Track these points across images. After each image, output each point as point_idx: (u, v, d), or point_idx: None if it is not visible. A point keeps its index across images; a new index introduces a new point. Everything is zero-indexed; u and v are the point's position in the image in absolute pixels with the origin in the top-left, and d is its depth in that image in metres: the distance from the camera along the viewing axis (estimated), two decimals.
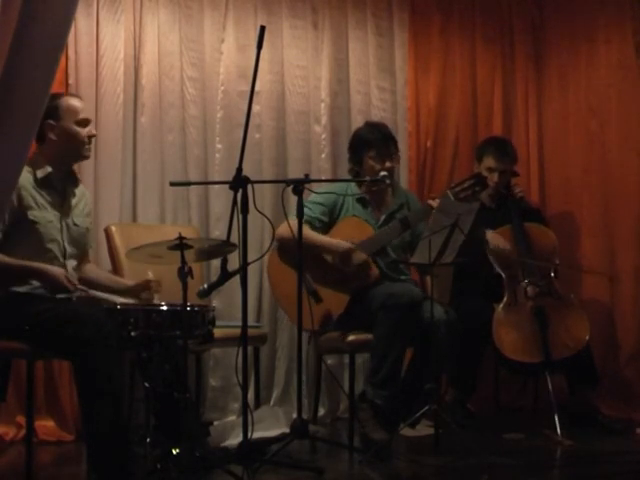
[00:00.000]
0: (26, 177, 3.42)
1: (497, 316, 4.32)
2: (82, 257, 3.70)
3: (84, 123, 3.58)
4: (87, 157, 3.69)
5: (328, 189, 4.30)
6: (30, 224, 3.43)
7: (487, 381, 4.85)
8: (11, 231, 3.39)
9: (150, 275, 3.62)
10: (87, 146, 3.61)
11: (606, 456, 3.86)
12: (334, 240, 4.17)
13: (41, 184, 3.49)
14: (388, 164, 4.26)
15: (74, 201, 3.64)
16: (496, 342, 4.27)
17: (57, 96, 3.60)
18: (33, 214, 3.43)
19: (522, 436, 4.24)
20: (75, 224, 3.62)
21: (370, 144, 4.27)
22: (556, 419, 4.06)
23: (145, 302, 3.53)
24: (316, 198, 4.17)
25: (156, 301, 3.53)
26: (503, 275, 4.43)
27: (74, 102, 3.60)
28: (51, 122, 3.51)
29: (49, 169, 3.51)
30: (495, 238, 4.45)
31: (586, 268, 4.92)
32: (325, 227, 4.26)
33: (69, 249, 3.57)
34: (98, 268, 3.97)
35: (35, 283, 3.43)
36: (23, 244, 3.41)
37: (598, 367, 4.47)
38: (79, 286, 3.44)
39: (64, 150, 3.56)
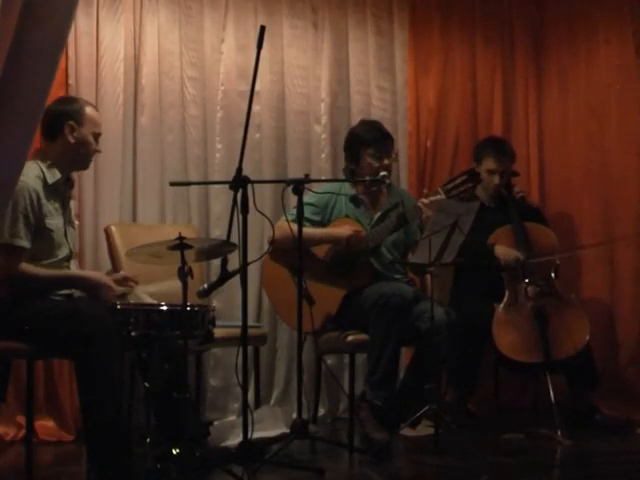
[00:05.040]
0: (38, 184, 3.42)
1: (497, 316, 4.32)
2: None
3: (97, 138, 3.62)
4: (86, 169, 3.82)
5: (324, 189, 4.30)
6: (46, 232, 3.44)
7: (487, 381, 4.84)
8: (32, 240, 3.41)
9: (122, 273, 3.62)
10: (92, 159, 3.69)
11: (606, 456, 3.86)
12: (332, 229, 4.17)
13: (50, 190, 3.48)
14: (386, 161, 4.26)
15: (70, 203, 3.65)
16: (496, 342, 4.27)
17: (80, 101, 3.65)
18: (49, 222, 3.45)
19: (522, 436, 4.23)
20: (72, 226, 3.65)
21: (368, 142, 4.26)
22: (556, 419, 4.06)
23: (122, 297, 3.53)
24: (308, 199, 4.16)
25: (139, 292, 3.53)
26: (503, 275, 4.43)
27: (96, 114, 3.65)
28: (73, 124, 3.53)
29: (58, 175, 3.51)
30: (505, 253, 4.43)
31: (590, 245, 4.90)
32: (317, 227, 4.25)
33: (73, 250, 3.60)
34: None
35: None
36: (38, 251, 3.42)
37: (598, 367, 4.46)
38: (120, 289, 3.45)
39: (74, 155, 3.57)
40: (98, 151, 3.67)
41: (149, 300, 3.51)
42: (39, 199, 3.40)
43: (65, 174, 3.56)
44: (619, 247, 4.92)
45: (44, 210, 3.43)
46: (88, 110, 3.59)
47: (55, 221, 3.48)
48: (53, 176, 3.49)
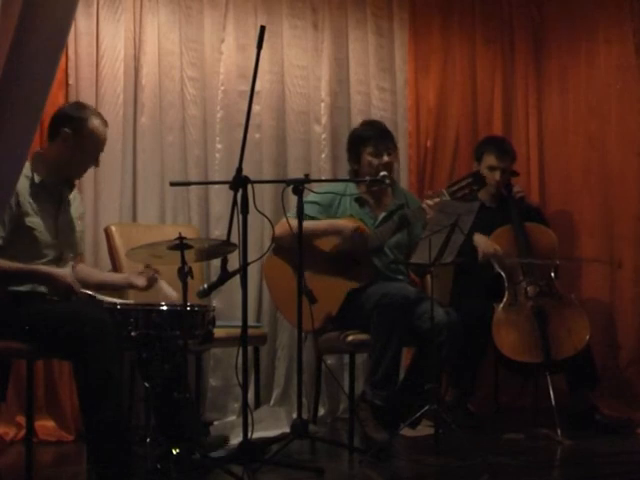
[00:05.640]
0: (22, 182, 3.39)
1: (497, 316, 4.32)
2: (76, 259, 3.70)
3: (97, 153, 3.56)
4: (78, 179, 3.74)
5: (327, 189, 4.30)
6: (27, 230, 3.40)
7: (487, 381, 4.85)
8: (10, 237, 3.38)
9: (142, 267, 3.62)
10: (84, 171, 3.65)
11: (606, 456, 3.86)
12: (338, 220, 4.17)
13: (37, 189, 3.46)
14: (386, 158, 4.26)
15: (69, 205, 3.63)
16: (496, 342, 4.27)
17: (89, 111, 3.56)
18: (30, 220, 3.41)
19: (522, 436, 4.23)
20: (71, 228, 3.62)
21: (367, 140, 4.28)
22: (556, 419, 4.06)
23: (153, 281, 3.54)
24: (312, 197, 4.17)
25: (161, 281, 3.53)
26: (503, 275, 4.43)
27: (102, 130, 3.53)
28: (68, 132, 3.48)
29: (45, 174, 3.49)
30: (484, 243, 4.44)
31: (587, 258, 4.92)
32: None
33: (65, 253, 3.56)
34: (90, 268, 3.96)
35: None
36: (20, 250, 3.39)
37: (598, 367, 4.46)
38: (85, 291, 3.43)
39: (65, 163, 3.53)
40: (95, 166, 3.62)
41: (172, 293, 3.51)
42: (18, 196, 3.36)
43: (56, 177, 3.54)
44: (619, 247, 4.92)
45: (24, 208, 3.39)
46: (93, 123, 3.50)
47: (39, 220, 3.44)
48: (41, 175, 3.47)
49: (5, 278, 3.38)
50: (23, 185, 3.40)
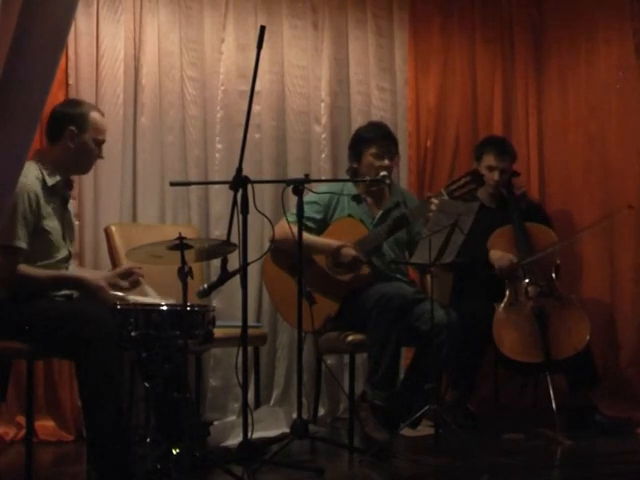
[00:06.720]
0: (37, 185, 3.41)
1: (498, 316, 4.32)
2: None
3: (100, 144, 3.60)
4: (86, 174, 3.84)
5: (325, 189, 4.30)
6: (44, 233, 3.43)
7: (487, 381, 4.85)
8: (29, 241, 3.39)
9: (125, 266, 3.61)
10: (92, 165, 3.69)
11: (606, 456, 3.87)
12: (325, 239, 4.18)
13: (49, 192, 3.47)
14: (387, 162, 4.27)
15: (68, 205, 3.65)
16: (496, 342, 4.27)
17: (86, 106, 3.62)
18: (47, 224, 3.44)
19: (522, 436, 4.24)
20: (71, 227, 3.64)
21: (371, 141, 4.28)
22: (556, 419, 4.06)
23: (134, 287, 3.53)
24: (310, 197, 4.17)
25: (146, 286, 3.53)
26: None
27: (102, 121, 3.60)
28: (74, 129, 3.50)
29: (58, 177, 3.50)
30: (500, 258, 4.41)
31: (587, 227, 4.87)
32: (320, 226, 4.27)
33: (72, 252, 3.60)
34: (77, 266, 3.97)
35: None
36: (38, 253, 3.41)
37: (598, 367, 4.46)
38: (116, 293, 3.45)
39: (74, 161, 3.56)
40: (100, 157, 3.66)
41: (155, 295, 3.51)
42: (38, 201, 3.39)
43: (64, 177, 3.56)
44: (619, 247, 4.92)
45: (42, 212, 3.42)
46: (93, 115, 3.56)
47: (53, 223, 3.47)
48: (53, 178, 3.48)
49: (39, 286, 3.40)
50: (38, 188, 3.42)
